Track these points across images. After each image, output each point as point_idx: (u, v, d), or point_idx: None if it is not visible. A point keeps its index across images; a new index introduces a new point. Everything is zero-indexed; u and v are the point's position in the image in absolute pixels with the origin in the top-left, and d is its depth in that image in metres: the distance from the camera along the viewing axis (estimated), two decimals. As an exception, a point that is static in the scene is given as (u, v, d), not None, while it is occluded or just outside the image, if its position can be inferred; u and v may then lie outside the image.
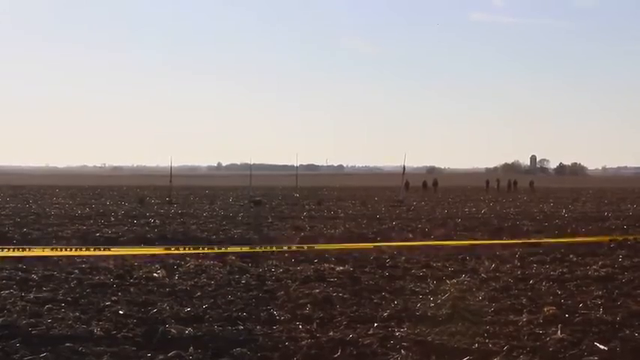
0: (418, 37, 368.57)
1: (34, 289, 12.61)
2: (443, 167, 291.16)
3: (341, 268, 15.26)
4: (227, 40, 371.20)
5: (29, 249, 16.30)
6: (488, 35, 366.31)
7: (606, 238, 20.87)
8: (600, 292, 12.61)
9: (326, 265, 15.69)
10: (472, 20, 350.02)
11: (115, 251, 16.58)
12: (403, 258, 16.83)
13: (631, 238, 20.24)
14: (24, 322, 9.94)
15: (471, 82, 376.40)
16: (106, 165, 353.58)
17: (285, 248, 17.56)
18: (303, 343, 9.09)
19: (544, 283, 13.60)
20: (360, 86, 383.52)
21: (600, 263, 16.15)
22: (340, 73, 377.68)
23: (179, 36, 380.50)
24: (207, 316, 10.57)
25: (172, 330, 9.59)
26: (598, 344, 9.01)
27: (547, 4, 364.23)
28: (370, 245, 18.89)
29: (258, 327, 9.89)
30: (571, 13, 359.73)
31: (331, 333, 9.57)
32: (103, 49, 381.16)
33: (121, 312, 10.70)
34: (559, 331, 9.63)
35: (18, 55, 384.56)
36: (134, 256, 16.35)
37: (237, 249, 17.55)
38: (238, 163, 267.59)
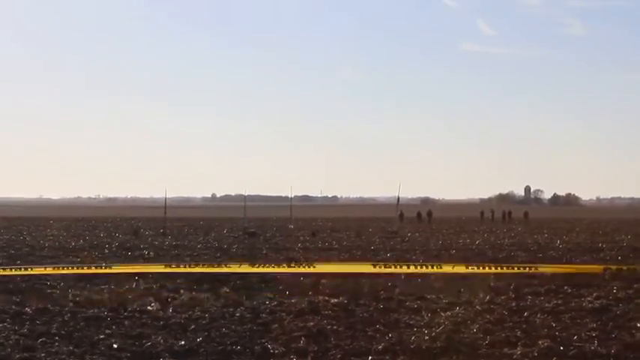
0: (411, 68, 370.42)
1: (28, 322, 12.57)
2: (437, 198, 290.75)
3: (335, 300, 15.23)
4: (220, 73, 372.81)
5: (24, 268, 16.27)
6: (481, 65, 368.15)
7: (600, 268, 20.88)
8: (595, 325, 12.61)
9: (320, 297, 15.66)
10: (464, 50, 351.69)
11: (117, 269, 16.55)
12: (397, 290, 16.80)
13: (624, 268, 20.25)
14: (17, 356, 9.91)
15: (465, 112, 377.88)
16: (101, 196, 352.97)
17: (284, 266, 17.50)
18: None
19: (539, 316, 13.60)
20: (354, 117, 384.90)
21: (595, 295, 16.15)
22: (334, 103, 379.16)
23: (173, 68, 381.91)
24: (202, 349, 10.55)
25: (166, 364, 9.56)
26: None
27: (538, 34, 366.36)
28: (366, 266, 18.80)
29: (252, 360, 9.87)
30: (563, 42, 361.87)
31: (326, 366, 9.56)
32: (97, 82, 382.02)
33: (115, 345, 10.68)
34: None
35: (12, 87, 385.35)
36: (128, 289, 16.31)
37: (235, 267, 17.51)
38: (233, 194, 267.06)
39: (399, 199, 56.24)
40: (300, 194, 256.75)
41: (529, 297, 16.02)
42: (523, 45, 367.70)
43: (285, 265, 17.90)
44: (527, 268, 20.39)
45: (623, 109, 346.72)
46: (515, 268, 20.16)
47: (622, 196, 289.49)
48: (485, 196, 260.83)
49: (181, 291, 16.54)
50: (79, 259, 25.80)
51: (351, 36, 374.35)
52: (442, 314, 13.58)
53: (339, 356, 10.18)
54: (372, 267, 18.62)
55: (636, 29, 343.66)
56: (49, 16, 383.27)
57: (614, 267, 21.09)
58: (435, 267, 19.39)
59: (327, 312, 13.93)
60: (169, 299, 15.32)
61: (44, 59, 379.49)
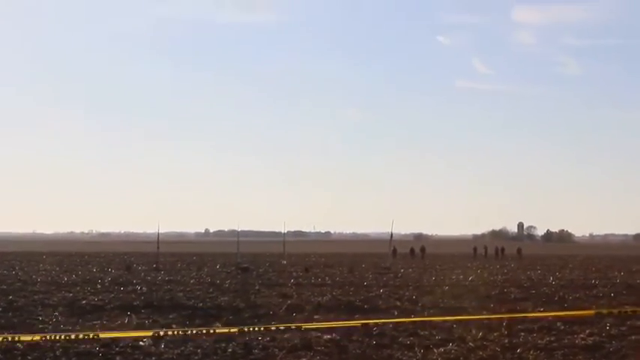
0: (405, 105, 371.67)
1: (19, 357, 12.51)
2: (430, 234, 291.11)
3: (328, 336, 15.19)
4: (214, 108, 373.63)
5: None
6: (475, 103, 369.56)
7: (592, 312, 20.85)
8: (588, 362, 12.60)
9: (313, 333, 15.62)
10: (458, 88, 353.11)
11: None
12: (390, 325, 16.78)
13: (615, 311, 20.22)
14: (8, 392, 9.87)
15: (459, 149, 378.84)
16: (94, 231, 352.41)
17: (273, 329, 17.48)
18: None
19: (531, 352, 13.58)
20: (347, 153, 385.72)
21: (587, 332, 16.14)
22: (327, 140, 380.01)
23: (167, 103, 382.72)
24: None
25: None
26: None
27: (533, 72, 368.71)
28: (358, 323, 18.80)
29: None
30: (557, 80, 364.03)
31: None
32: (90, 116, 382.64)
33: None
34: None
35: (4, 120, 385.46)
36: (120, 324, 16.25)
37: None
38: (226, 229, 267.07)
39: (392, 234, 56.25)
40: (293, 230, 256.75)
41: (522, 334, 16.00)
42: (517, 83, 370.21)
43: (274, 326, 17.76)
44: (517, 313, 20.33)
45: (616, 147, 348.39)
46: (505, 314, 20.10)
47: (615, 232, 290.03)
48: (479, 233, 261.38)
49: (173, 326, 16.48)
50: (71, 295, 25.71)
51: (346, 72, 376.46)
52: (435, 350, 13.56)
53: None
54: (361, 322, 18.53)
55: (630, 68, 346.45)
56: (43, 52, 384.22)
57: (605, 311, 21.06)
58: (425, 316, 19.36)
59: (319, 348, 13.89)
60: (162, 334, 15.26)
61: (38, 95, 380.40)
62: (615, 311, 20.03)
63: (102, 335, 13.34)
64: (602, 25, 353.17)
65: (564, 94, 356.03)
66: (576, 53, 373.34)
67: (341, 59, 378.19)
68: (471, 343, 14.53)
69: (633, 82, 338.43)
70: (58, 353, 12.95)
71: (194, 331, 13.42)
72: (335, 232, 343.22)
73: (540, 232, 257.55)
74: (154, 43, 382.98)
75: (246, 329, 13.12)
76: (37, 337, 11.95)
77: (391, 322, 17.38)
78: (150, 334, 14.16)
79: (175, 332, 14.54)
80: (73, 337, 12.49)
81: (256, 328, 13.52)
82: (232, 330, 13.06)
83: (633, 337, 15.55)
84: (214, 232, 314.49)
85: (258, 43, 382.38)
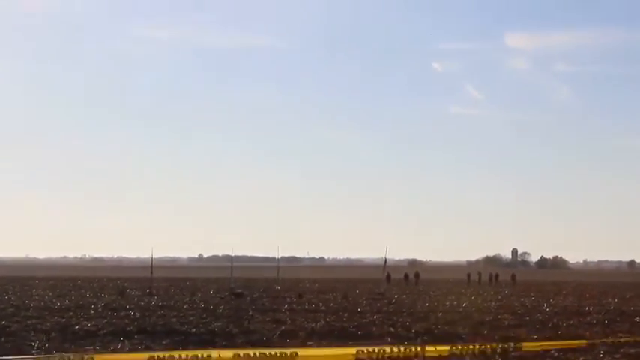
0: (398, 130, 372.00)
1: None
2: (424, 259, 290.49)
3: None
4: (206, 133, 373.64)
5: None
6: (468, 128, 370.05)
7: (584, 342, 20.85)
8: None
9: None
10: (451, 113, 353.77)
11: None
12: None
13: (609, 340, 20.25)
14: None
15: (452, 174, 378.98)
16: (87, 256, 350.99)
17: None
18: None
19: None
20: (341, 178, 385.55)
21: (582, 359, 16.15)
22: (321, 165, 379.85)
23: (161, 128, 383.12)
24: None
25: None
26: None
27: (525, 97, 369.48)
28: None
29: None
30: (549, 106, 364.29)
31: None
32: (83, 141, 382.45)
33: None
34: None
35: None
36: (114, 350, 16.22)
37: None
38: (220, 254, 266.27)
39: (386, 260, 56.24)
40: (286, 255, 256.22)
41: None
42: (510, 108, 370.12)
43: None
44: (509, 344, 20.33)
45: (610, 174, 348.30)
46: (497, 345, 20.10)
47: (609, 259, 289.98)
48: (473, 259, 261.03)
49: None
50: (64, 320, 25.66)
51: (339, 97, 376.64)
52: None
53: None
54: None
55: (623, 95, 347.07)
56: (40, 75, 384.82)
57: (598, 341, 21.07)
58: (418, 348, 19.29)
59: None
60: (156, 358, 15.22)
61: (30, 119, 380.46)
62: (609, 340, 20.07)
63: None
64: (595, 51, 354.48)
65: (557, 120, 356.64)
66: (569, 79, 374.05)
67: (334, 84, 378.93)
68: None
69: (626, 109, 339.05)
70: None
71: (188, 355, 13.38)
72: (329, 258, 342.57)
73: (534, 258, 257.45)
74: (150, 67, 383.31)
75: (241, 353, 13.10)
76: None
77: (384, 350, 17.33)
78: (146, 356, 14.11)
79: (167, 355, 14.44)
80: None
81: (250, 353, 13.50)
82: (225, 354, 13.04)
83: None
84: (208, 257, 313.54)
85: (252, 68, 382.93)
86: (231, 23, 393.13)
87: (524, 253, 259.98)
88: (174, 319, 26.53)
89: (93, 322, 24.63)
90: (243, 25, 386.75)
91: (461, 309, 36.08)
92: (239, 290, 49.65)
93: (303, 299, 43.75)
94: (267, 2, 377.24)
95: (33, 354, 15.82)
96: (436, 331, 23.19)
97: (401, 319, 28.09)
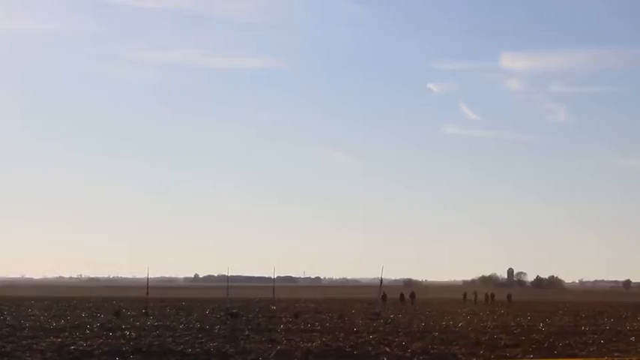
0: (393, 150, 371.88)
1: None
2: (420, 279, 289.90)
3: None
4: (203, 152, 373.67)
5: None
6: (463, 148, 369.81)
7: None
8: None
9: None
10: (446, 133, 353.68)
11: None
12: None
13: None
14: None
15: (447, 194, 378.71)
16: (83, 276, 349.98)
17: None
18: None
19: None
20: (337, 198, 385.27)
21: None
22: (317, 184, 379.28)
23: (156, 147, 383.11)
24: None
25: None
26: None
27: (520, 118, 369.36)
28: None
29: None
30: (544, 127, 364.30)
31: None
32: (80, 161, 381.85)
33: None
34: None
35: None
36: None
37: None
38: (215, 274, 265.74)
39: (381, 280, 56.21)
40: (282, 275, 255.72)
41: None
42: (506, 129, 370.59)
43: None
44: None
45: (606, 194, 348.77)
46: None
47: (605, 279, 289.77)
48: (468, 278, 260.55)
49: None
50: (59, 340, 25.61)
51: (335, 117, 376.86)
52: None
53: None
54: None
55: (619, 116, 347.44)
56: (36, 108, 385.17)
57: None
58: None
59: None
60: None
61: (27, 137, 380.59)
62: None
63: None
64: (591, 72, 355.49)
65: (553, 141, 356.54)
66: (564, 100, 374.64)
67: (330, 105, 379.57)
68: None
69: (622, 130, 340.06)
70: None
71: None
72: (325, 278, 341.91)
73: (530, 278, 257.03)
74: (150, 89, 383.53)
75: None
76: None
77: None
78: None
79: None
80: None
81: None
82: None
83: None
84: (203, 277, 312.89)
85: (247, 89, 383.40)
86: (225, 45, 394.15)
87: (520, 272, 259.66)
88: (169, 340, 26.49)
89: (88, 343, 24.60)
90: (237, 47, 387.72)
91: (457, 329, 36.04)
92: (235, 310, 49.58)
93: (299, 319, 43.69)
94: (263, 22, 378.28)
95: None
96: (432, 351, 23.18)
97: (397, 339, 28.06)
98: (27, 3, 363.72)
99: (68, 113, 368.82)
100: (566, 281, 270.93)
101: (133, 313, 50.06)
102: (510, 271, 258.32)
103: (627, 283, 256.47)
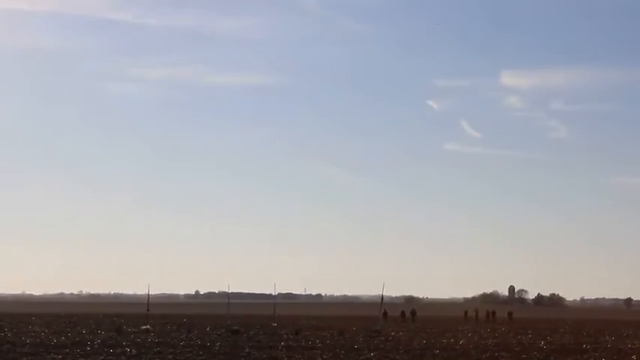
0: (394, 168, 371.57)
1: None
2: (421, 297, 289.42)
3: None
4: (205, 168, 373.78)
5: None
6: (464, 166, 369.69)
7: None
8: None
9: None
10: (447, 150, 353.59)
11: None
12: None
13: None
14: None
15: (448, 211, 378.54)
16: (83, 292, 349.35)
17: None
18: None
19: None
20: (338, 216, 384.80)
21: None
22: (318, 202, 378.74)
23: (159, 163, 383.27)
24: None
25: None
26: None
27: (521, 135, 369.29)
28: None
29: None
30: (546, 144, 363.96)
31: None
32: (78, 179, 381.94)
33: None
34: None
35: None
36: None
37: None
38: (216, 291, 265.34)
39: (382, 297, 56.18)
40: (283, 292, 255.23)
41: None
42: (507, 146, 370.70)
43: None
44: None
45: (606, 212, 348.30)
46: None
47: (606, 297, 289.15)
48: (470, 296, 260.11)
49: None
50: (60, 357, 25.61)
51: (335, 135, 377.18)
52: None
53: None
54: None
55: (620, 133, 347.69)
56: (43, 121, 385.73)
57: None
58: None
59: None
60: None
61: (24, 158, 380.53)
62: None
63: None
64: (592, 90, 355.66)
65: (554, 159, 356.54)
66: (566, 118, 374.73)
67: (331, 122, 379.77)
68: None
69: (623, 148, 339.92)
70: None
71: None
72: (326, 295, 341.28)
73: (531, 295, 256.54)
74: (153, 106, 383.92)
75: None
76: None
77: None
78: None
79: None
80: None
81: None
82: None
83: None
84: (204, 294, 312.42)
85: (248, 106, 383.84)
86: (227, 62, 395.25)
87: (522, 290, 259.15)
88: (170, 357, 26.50)
89: (89, 359, 24.59)
90: (239, 63, 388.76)
91: (458, 346, 36.00)
92: (236, 327, 49.52)
93: (300, 336, 43.65)
94: (265, 40, 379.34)
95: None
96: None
97: (398, 357, 28.06)
98: (30, 20, 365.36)
99: (71, 130, 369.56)
100: (568, 299, 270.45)
101: (133, 329, 49.97)
102: (511, 289, 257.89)
103: (628, 301, 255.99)
